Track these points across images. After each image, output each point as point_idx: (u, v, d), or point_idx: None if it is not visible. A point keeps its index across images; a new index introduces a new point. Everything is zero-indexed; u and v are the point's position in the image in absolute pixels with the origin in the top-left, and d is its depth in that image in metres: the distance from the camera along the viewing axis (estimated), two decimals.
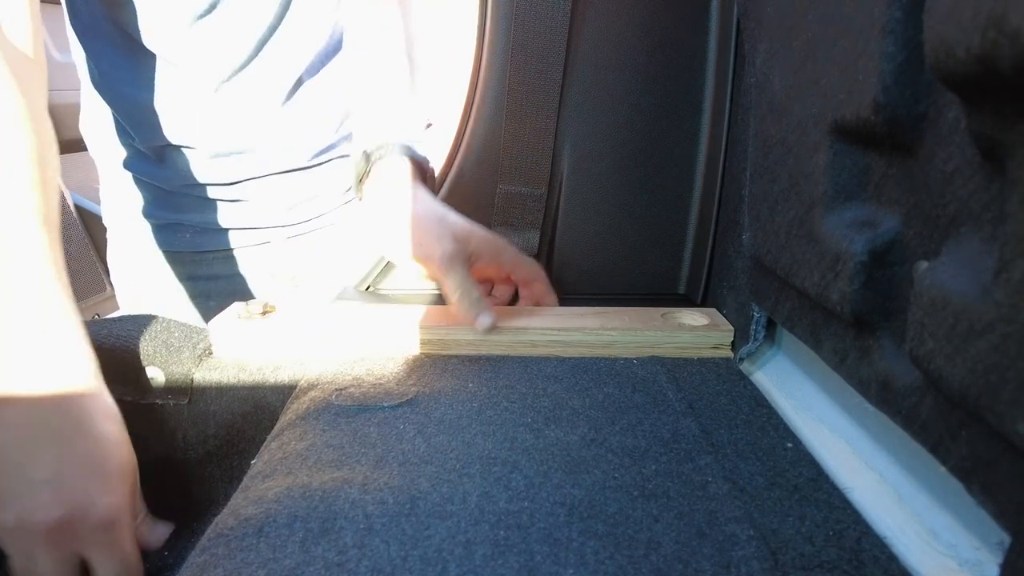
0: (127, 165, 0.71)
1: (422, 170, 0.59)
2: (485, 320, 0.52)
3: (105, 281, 1.55)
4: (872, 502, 0.36)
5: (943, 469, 0.30)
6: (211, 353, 0.54)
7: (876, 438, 0.39)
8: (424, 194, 0.56)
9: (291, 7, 0.64)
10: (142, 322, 0.53)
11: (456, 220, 0.55)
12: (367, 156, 0.58)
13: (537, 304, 0.60)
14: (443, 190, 0.67)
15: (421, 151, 0.60)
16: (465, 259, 0.52)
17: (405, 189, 0.56)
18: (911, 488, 0.36)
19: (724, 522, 0.33)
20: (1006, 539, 0.26)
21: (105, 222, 0.77)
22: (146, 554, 0.43)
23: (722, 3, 0.59)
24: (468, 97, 0.65)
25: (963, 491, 0.28)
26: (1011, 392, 0.23)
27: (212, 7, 0.60)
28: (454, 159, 0.66)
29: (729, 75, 0.59)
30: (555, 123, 0.63)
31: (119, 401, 0.50)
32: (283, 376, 0.52)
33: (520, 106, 0.62)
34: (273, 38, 0.65)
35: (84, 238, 1.45)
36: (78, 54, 0.67)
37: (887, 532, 0.33)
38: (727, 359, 0.53)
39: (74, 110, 0.72)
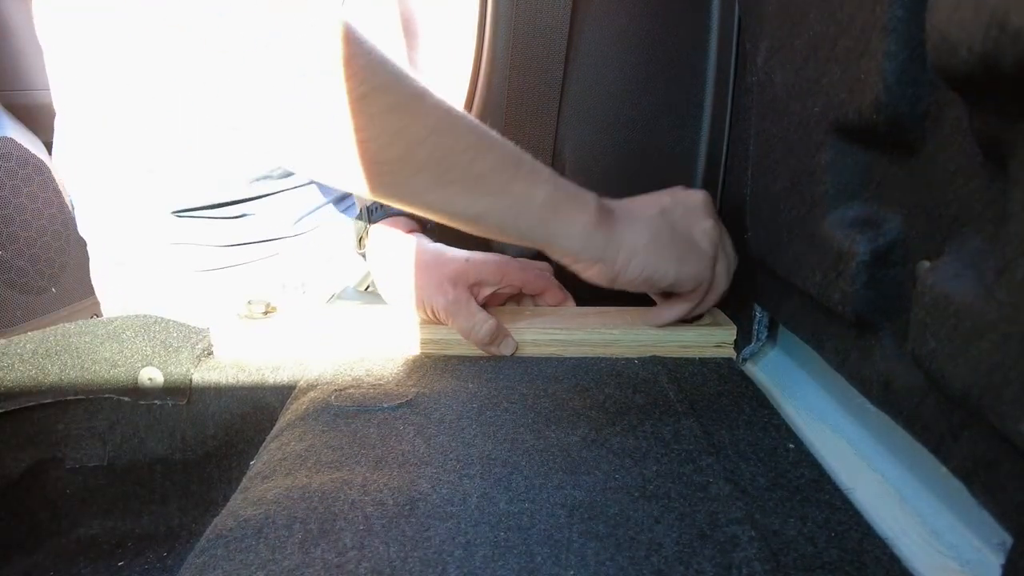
0: (119, 188, 0.67)
1: (419, 221, 0.58)
2: (506, 349, 0.54)
3: None
4: (874, 503, 0.36)
5: (945, 469, 0.30)
6: (210, 353, 0.54)
7: (878, 438, 0.39)
8: (417, 245, 0.56)
9: None
10: (141, 322, 0.53)
11: (450, 260, 0.54)
12: (365, 214, 0.59)
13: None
14: None
15: None
16: (467, 299, 0.52)
17: (399, 246, 0.56)
18: (913, 489, 0.35)
19: (725, 523, 0.33)
20: (1008, 540, 0.26)
21: (83, 234, 0.73)
22: (146, 554, 0.43)
23: (722, 2, 0.59)
24: (468, 97, 0.65)
25: (965, 492, 0.28)
26: (1013, 392, 0.23)
27: None
28: None
29: (730, 75, 0.59)
30: (555, 123, 0.63)
31: (117, 401, 0.50)
32: (282, 376, 0.52)
33: (520, 106, 0.62)
34: None
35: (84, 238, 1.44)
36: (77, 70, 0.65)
37: (889, 533, 0.33)
38: (728, 359, 0.53)
39: None
